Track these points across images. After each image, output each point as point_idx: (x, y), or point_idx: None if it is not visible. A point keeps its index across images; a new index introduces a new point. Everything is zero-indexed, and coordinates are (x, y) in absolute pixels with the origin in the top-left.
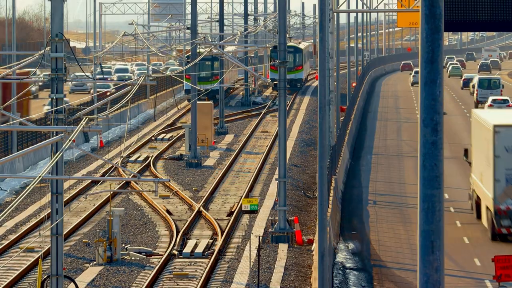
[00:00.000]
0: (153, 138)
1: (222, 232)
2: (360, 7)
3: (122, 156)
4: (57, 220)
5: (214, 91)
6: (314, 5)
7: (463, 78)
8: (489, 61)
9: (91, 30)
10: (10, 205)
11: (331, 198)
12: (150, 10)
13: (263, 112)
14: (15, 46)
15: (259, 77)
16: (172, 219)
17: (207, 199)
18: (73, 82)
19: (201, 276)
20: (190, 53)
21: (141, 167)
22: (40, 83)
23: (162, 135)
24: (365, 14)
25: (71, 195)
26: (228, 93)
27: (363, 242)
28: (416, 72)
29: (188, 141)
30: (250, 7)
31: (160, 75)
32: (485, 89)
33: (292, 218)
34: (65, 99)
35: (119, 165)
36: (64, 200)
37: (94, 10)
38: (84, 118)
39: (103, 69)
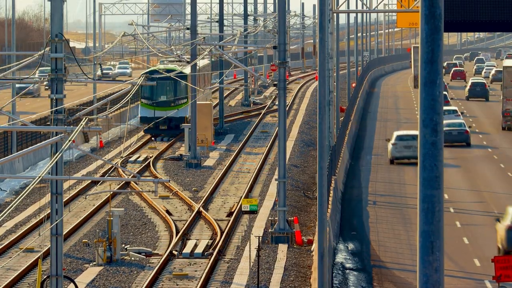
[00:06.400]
0: (152, 138)
1: (222, 233)
2: (360, 8)
3: (121, 157)
4: (56, 221)
5: (177, 120)
6: (314, 6)
7: None
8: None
9: (90, 31)
10: (10, 206)
11: (330, 199)
12: (149, 11)
13: (263, 112)
14: (14, 47)
15: (259, 78)
16: (172, 219)
17: (206, 199)
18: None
19: (201, 277)
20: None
21: (141, 167)
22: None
23: (162, 135)
24: (364, 14)
25: (71, 195)
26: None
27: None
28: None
29: (188, 142)
30: (250, 8)
31: (159, 75)
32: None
33: (292, 218)
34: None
35: (119, 165)
36: (64, 200)
37: (94, 10)
38: (84, 118)
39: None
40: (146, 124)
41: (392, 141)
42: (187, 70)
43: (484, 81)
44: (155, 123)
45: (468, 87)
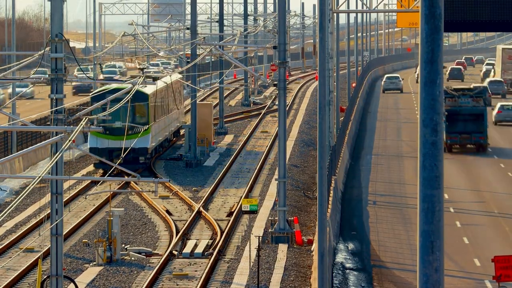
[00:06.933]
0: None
1: (222, 233)
2: (360, 7)
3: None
4: (57, 221)
5: (136, 152)
6: (314, 5)
7: None
8: None
9: (90, 31)
10: (10, 206)
11: (330, 199)
12: (149, 11)
13: (263, 112)
14: (14, 47)
15: (259, 78)
16: (172, 219)
17: (206, 199)
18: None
19: (201, 277)
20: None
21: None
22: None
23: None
24: (364, 14)
25: (71, 195)
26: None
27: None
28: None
29: (188, 141)
30: (250, 7)
31: (160, 75)
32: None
33: (292, 218)
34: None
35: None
36: (64, 200)
37: (94, 10)
38: (84, 118)
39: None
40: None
41: (384, 79)
42: (149, 89)
43: (461, 67)
44: (108, 156)
45: (448, 71)
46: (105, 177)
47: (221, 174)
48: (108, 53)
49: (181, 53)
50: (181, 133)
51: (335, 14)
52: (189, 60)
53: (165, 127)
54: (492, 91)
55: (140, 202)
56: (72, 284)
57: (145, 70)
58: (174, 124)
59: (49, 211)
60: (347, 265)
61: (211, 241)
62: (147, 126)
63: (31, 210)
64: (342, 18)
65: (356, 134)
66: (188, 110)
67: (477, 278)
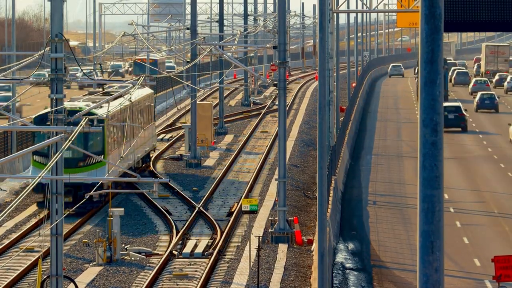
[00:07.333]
0: None
1: (222, 232)
2: (359, 7)
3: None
4: (57, 221)
5: (88, 188)
6: (314, 6)
7: None
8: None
9: (90, 31)
10: (10, 205)
11: (330, 199)
12: (149, 11)
13: (263, 112)
14: (14, 47)
15: (259, 78)
16: (172, 219)
17: (207, 199)
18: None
19: (201, 277)
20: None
21: (141, 167)
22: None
23: (162, 135)
24: (364, 14)
25: None
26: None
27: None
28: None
29: (188, 141)
30: (250, 7)
31: (160, 75)
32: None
33: (292, 218)
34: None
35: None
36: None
37: (94, 10)
38: (84, 118)
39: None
40: (40, 193)
41: (389, 67)
42: (105, 111)
43: (451, 58)
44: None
45: None
46: (105, 177)
47: (221, 174)
48: (108, 53)
49: (138, 57)
50: (152, 159)
51: (335, 14)
52: (188, 60)
53: (128, 154)
54: (459, 81)
55: (140, 202)
56: (72, 284)
57: (106, 86)
58: (142, 150)
59: (49, 211)
60: (347, 265)
61: (211, 241)
62: (103, 156)
63: (31, 210)
64: (342, 18)
65: (356, 134)
66: (188, 110)
67: (477, 278)
